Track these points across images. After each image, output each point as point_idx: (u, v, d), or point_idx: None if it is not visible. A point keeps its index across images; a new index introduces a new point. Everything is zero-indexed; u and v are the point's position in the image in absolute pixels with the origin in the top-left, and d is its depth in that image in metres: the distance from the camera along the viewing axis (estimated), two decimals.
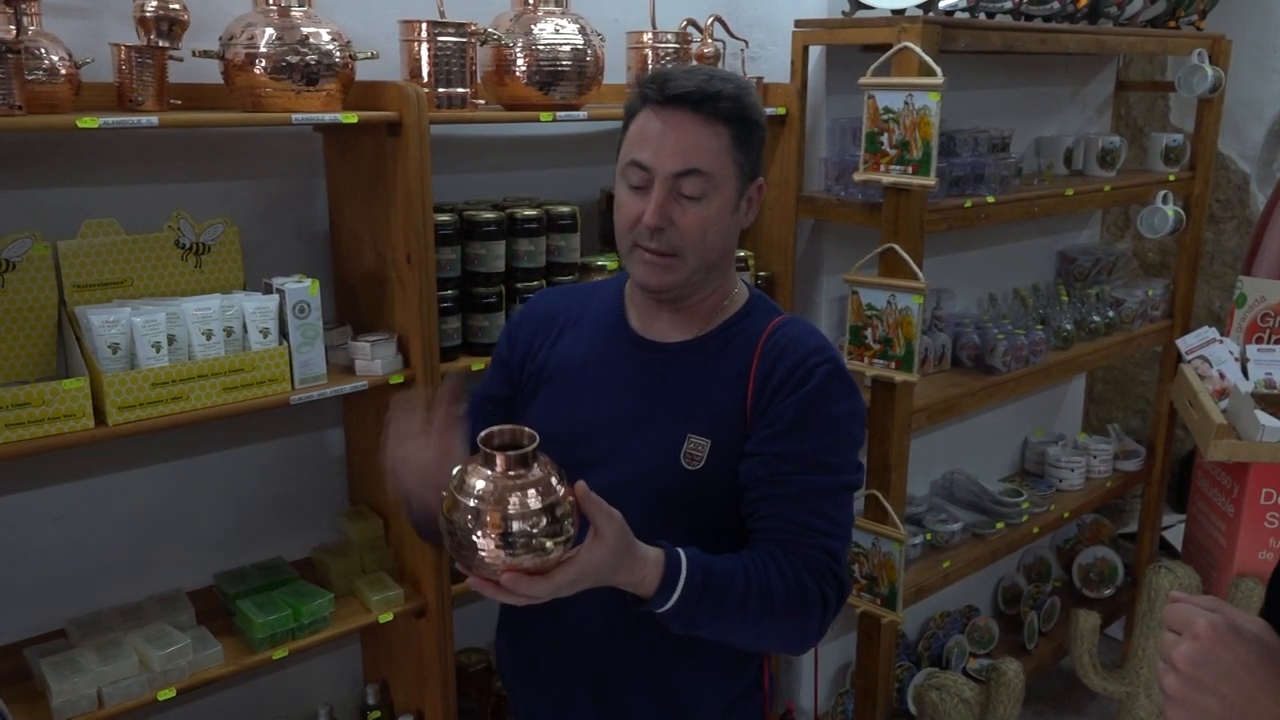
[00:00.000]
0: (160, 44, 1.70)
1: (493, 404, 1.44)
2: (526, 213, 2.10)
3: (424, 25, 1.91)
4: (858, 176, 2.29)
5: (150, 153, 1.90)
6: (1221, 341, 3.03)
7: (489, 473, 1.01)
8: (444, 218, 1.98)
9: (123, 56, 1.68)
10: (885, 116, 2.21)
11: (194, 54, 1.74)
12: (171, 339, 1.72)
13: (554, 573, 1.04)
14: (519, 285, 2.11)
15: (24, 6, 1.56)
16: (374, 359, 1.91)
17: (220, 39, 1.75)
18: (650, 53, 2.26)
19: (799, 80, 2.45)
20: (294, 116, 1.73)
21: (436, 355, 1.95)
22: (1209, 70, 3.01)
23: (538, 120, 2.00)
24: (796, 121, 2.43)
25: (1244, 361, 2.96)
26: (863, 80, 2.23)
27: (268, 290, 1.85)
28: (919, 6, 2.27)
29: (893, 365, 2.32)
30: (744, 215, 1.34)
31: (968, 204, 2.44)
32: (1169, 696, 0.85)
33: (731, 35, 2.41)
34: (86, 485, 1.94)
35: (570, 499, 1.04)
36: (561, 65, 2.02)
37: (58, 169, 1.82)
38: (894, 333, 2.30)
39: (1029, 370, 2.81)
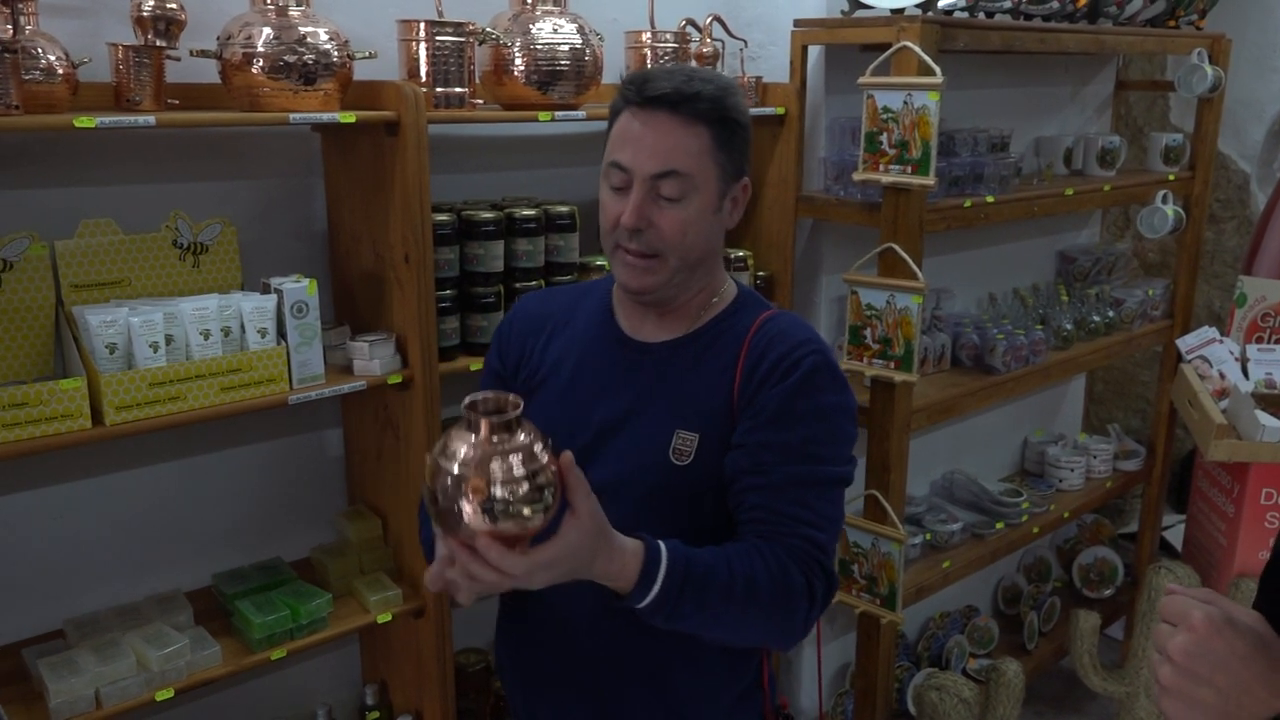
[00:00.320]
0: (158, 44, 1.70)
1: None
2: (525, 212, 2.10)
3: (422, 25, 1.90)
4: (857, 176, 2.29)
5: (148, 152, 1.90)
6: (1222, 341, 3.03)
7: (473, 438, 1.01)
8: (442, 217, 1.98)
9: (120, 56, 1.67)
10: (884, 116, 2.21)
11: (191, 54, 1.74)
12: (169, 339, 1.72)
13: (532, 551, 1.03)
14: (517, 285, 2.10)
15: (21, 6, 1.56)
16: (372, 359, 1.90)
17: (218, 39, 1.75)
18: (649, 52, 2.26)
19: (798, 80, 2.45)
20: (292, 116, 1.72)
21: (435, 355, 1.95)
22: (1209, 70, 3.00)
23: (536, 120, 2.00)
24: (795, 121, 2.42)
25: (1244, 361, 2.96)
26: (862, 80, 2.23)
27: (266, 290, 1.85)
28: (918, 6, 2.27)
29: (892, 365, 2.32)
30: (728, 215, 1.34)
31: (967, 204, 2.43)
32: (1164, 688, 0.85)
33: (730, 35, 2.41)
34: (84, 485, 1.94)
35: (553, 469, 1.03)
36: (560, 65, 2.01)
37: (55, 169, 1.81)
38: (893, 332, 2.30)
39: (1029, 370, 2.80)
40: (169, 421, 1.69)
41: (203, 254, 1.92)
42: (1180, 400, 3.00)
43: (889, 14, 2.29)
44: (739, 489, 1.27)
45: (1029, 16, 2.56)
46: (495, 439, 1.01)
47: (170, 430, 1.77)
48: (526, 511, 1.00)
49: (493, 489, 0.99)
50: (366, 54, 1.84)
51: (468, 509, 0.99)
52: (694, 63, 2.33)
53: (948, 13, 2.33)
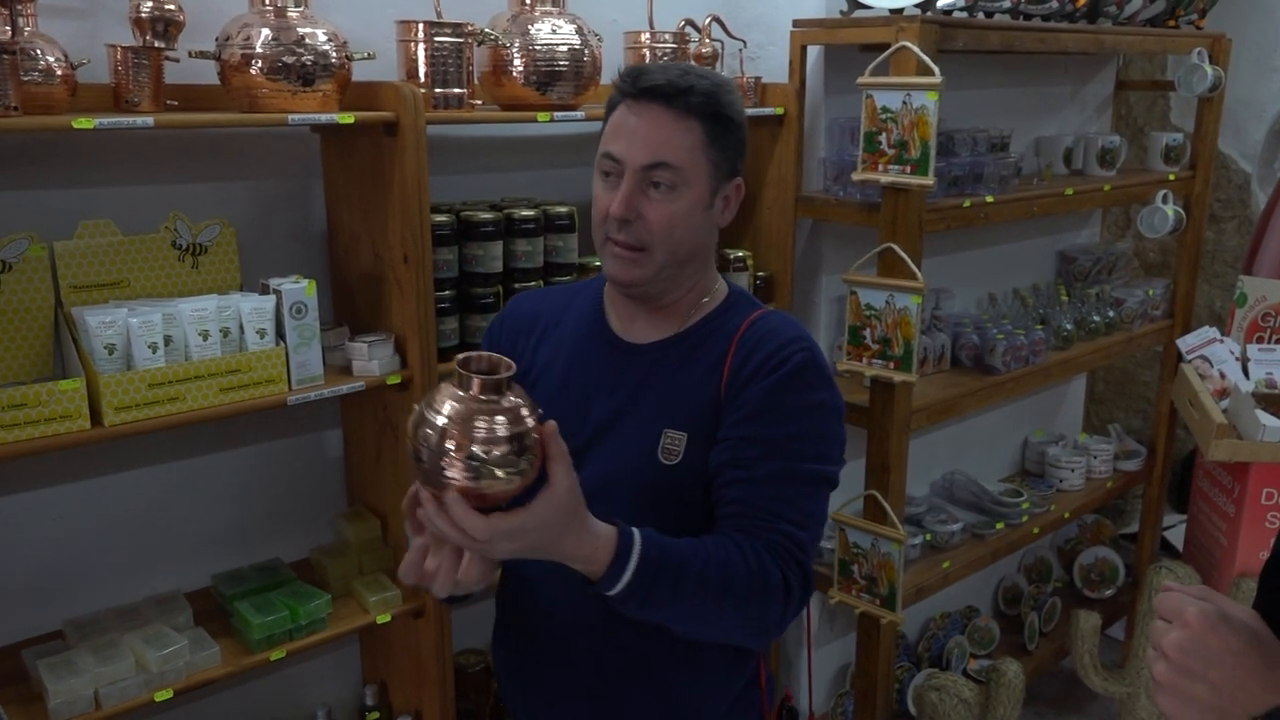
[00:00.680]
0: (156, 45, 1.70)
1: None
2: (524, 213, 2.10)
3: (421, 25, 1.91)
4: (856, 176, 2.29)
5: (146, 154, 1.90)
6: (1222, 341, 3.03)
7: (461, 393, 1.02)
8: (441, 218, 1.98)
9: (119, 57, 1.68)
10: (883, 116, 2.21)
11: (190, 55, 1.74)
12: (168, 340, 1.72)
13: (497, 516, 1.03)
14: (516, 285, 2.10)
15: (20, 8, 1.57)
16: (371, 359, 1.90)
17: (216, 40, 1.75)
18: (648, 53, 2.26)
19: (797, 80, 2.45)
20: (290, 117, 1.72)
21: (434, 356, 1.95)
22: (1209, 69, 3.00)
23: (535, 120, 2.00)
24: (795, 121, 2.42)
25: (1245, 361, 2.96)
26: (861, 80, 2.23)
27: (264, 291, 1.85)
28: (917, 6, 2.27)
29: (891, 365, 2.31)
30: (720, 214, 1.34)
31: (966, 204, 2.43)
32: (1159, 684, 0.85)
33: (730, 35, 2.41)
34: (83, 486, 1.94)
35: (536, 437, 1.04)
36: (558, 65, 2.01)
37: (54, 170, 1.82)
38: (892, 333, 2.30)
39: (1028, 370, 2.80)
40: (168, 422, 1.69)
41: (202, 255, 1.92)
42: (1181, 400, 2.99)
43: (888, 14, 2.29)
44: (720, 483, 1.26)
45: (1028, 16, 2.56)
46: (483, 397, 1.02)
47: (169, 431, 1.77)
48: (501, 473, 1.01)
49: (472, 445, 1.00)
50: (365, 55, 1.84)
51: (443, 461, 1.00)
52: (692, 64, 2.33)
53: (947, 13, 2.33)
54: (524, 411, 1.03)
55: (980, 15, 2.45)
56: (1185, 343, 3.08)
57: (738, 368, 1.29)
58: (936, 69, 2.14)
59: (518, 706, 1.48)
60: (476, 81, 2.03)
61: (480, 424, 1.00)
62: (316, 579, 2.08)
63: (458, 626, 2.15)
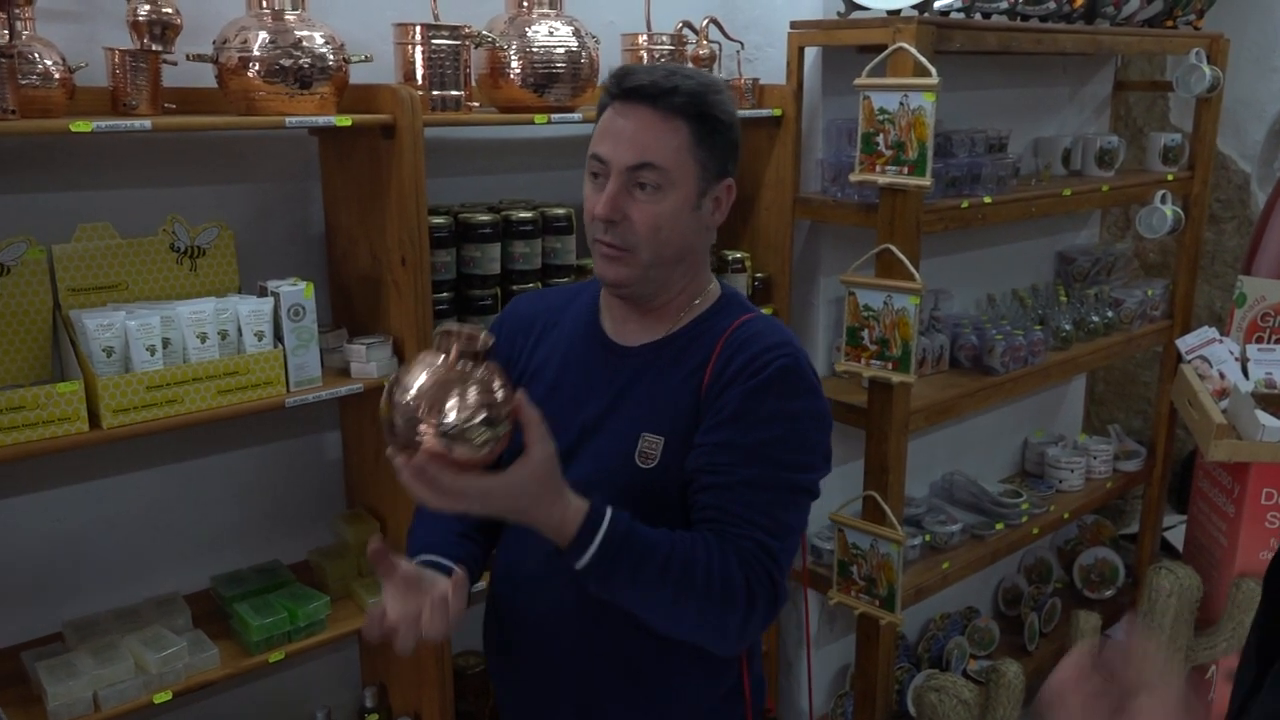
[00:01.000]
0: (154, 48, 1.71)
1: None
2: (522, 215, 2.10)
3: (418, 28, 1.91)
4: (854, 177, 2.29)
5: (144, 157, 1.91)
6: (1221, 341, 3.03)
7: (440, 360, 1.06)
8: (439, 220, 1.99)
9: (116, 61, 1.68)
10: (881, 117, 2.21)
11: (188, 58, 1.75)
12: (166, 342, 1.72)
13: (469, 475, 1.05)
14: (514, 287, 2.11)
15: (17, 11, 1.57)
16: (369, 361, 1.91)
17: (214, 43, 1.75)
18: (645, 55, 2.26)
19: (795, 81, 2.45)
20: (288, 120, 1.73)
21: None
22: (1207, 70, 3.00)
23: (532, 123, 2.00)
24: (793, 123, 2.43)
25: (1244, 361, 2.96)
26: (858, 81, 2.23)
27: (263, 293, 1.86)
28: (914, 7, 2.27)
29: (890, 366, 2.32)
30: (709, 215, 1.33)
31: (964, 204, 2.43)
32: None
33: (727, 37, 2.42)
34: (82, 488, 1.95)
35: (509, 408, 1.07)
36: (556, 67, 2.02)
37: (52, 173, 1.82)
38: (890, 333, 2.30)
39: (1027, 371, 2.80)
40: (166, 425, 1.69)
41: (200, 257, 1.92)
42: (1180, 400, 2.99)
43: (885, 15, 2.29)
44: (695, 488, 1.26)
45: (1025, 17, 2.56)
46: (460, 365, 1.06)
47: (167, 433, 1.77)
48: (475, 438, 1.04)
49: (445, 408, 1.03)
50: (362, 57, 1.84)
51: (419, 424, 1.03)
52: (690, 65, 2.34)
53: (944, 14, 2.34)
54: (496, 383, 1.07)
55: (977, 16, 2.46)
56: (1185, 343, 3.08)
57: (719, 371, 1.28)
58: (933, 70, 2.14)
59: (506, 709, 1.49)
60: (474, 84, 2.04)
61: (456, 390, 1.04)
62: (315, 581, 2.08)
63: (457, 628, 2.15)
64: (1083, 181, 2.98)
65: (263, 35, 1.72)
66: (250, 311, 1.80)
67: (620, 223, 1.26)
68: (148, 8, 1.70)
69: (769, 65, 2.56)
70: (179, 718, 2.10)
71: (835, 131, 2.53)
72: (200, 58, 1.74)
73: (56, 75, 1.61)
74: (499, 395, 1.06)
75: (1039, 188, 2.80)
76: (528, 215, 2.11)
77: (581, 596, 1.16)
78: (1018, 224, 3.11)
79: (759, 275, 2.50)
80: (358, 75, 1.86)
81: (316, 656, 2.27)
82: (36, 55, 1.59)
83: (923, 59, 2.15)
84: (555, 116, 2.02)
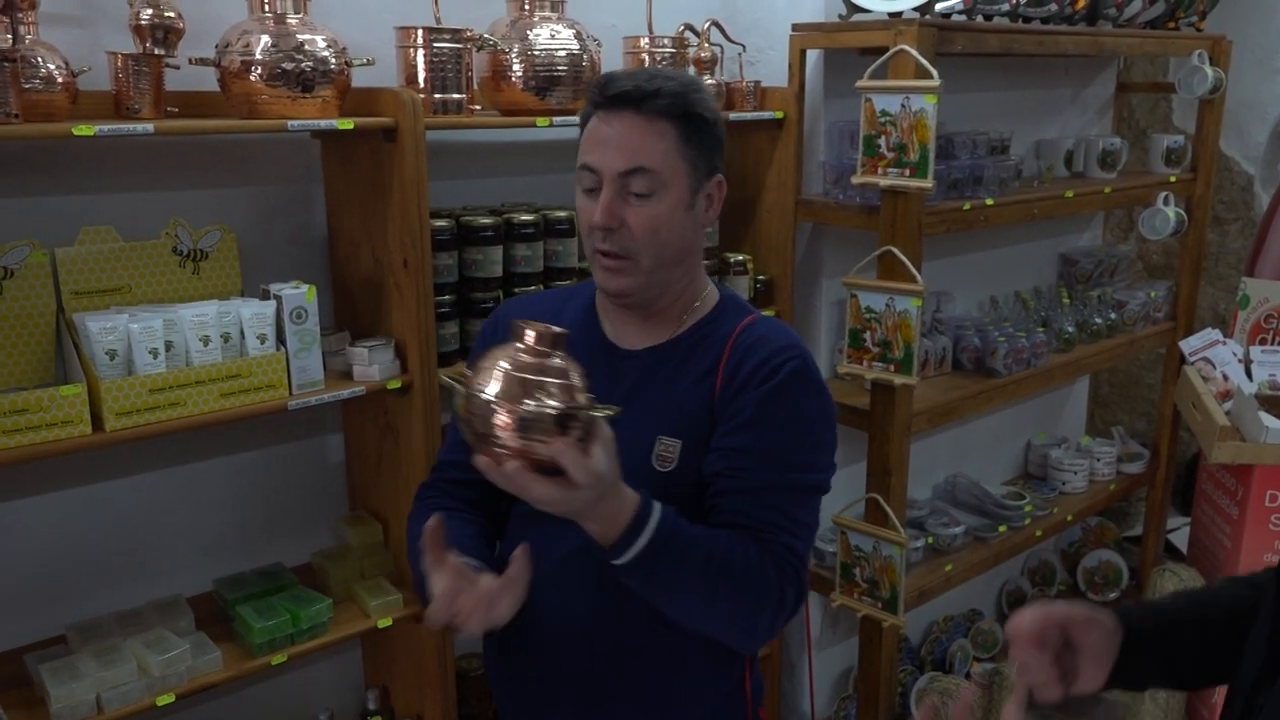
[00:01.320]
0: (156, 52, 1.71)
1: None
2: (523, 218, 2.10)
3: (420, 31, 1.91)
4: (855, 179, 2.29)
5: (147, 160, 1.91)
6: (1225, 343, 3.02)
7: (512, 357, 1.05)
8: (441, 223, 1.99)
9: (119, 65, 1.68)
10: (882, 119, 2.21)
11: (190, 62, 1.75)
12: (169, 345, 1.72)
13: (557, 481, 1.04)
14: (516, 290, 2.11)
15: (20, 15, 1.57)
16: (371, 364, 1.91)
17: (216, 47, 1.76)
18: (647, 57, 2.27)
19: (796, 84, 2.45)
20: (290, 123, 1.73)
21: (434, 360, 1.96)
22: (1209, 71, 3.00)
23: (534, 125, 2.01)
24: (794, 125, 2.43)
25: (1248, 363, 2.95)
26: (860, 83, 2.23)
27: (265, 296, 1.86)
28: (915, 9, 2.27)
29: (892, 368, 2.31)
30: (703, 213, 1.34)
31: (966, 206, 2.43)
32: None
33: (729, 39, 2.42)
34: (85, 491, 1.95)
35: (585, 401, 1.06)
36: (557, 70, 2.02)
37: (55, 177, 1.83)
38: (893, 335, 2.30)
39: (1030, 373, 2.80)
40: (169, 427, 1.69)
41: (202, 261, 1.93)
42: (1184, 402, 2.99)
43: (886, 17, 2.29)
44: (714, 492, 1.28)
45: (1027, 19, 2.56)
46: (537, 358, 1.05)
47: (170, 436, 1.77)
48: (559, 429, 1.03)
49: (527, 401, 1.02)
50: (364, 61, 1.85)
51: (502, 421, 1.02)
52: (692, 68, 2.34)
53: (945, 16, 2.34)
54: (575, 377, 1.06)
55: (979, 18, 2.46)
56: (1188, 345, 3.08)
57: (730, 375, 1.30)
58: (935, 72, 2.14)
59: (507, 709, 1.48)
60: (476, 87, 2.04)
61: (535, 385, 1.03)
62: (318, 583, 2.08)
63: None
64: (1085, 183, 2.98)
65: (265, 39, 1.73)
66: (253, 314, 1.80)
67: (618, 230, 1.26)
68: (150, 12, 1.70)
69: (771, 68, 2.56)
70: None
71: (837, 134, 2.54)
72: (202, 61, 1.75)
73: (59, 79, 1.61)
74: (577, 384, 1.06)
75: (1041, 189, 2.80)
76: (529, 218, 2.11)
77: (591, 597, 1.16)
78: (1020, 226, 3.11)
79: (761, 277, 2.50)
80: (360, 78, 1.87)
81: (319, 659, 2.27)
82: (39, 59, 1.59)
83: (924, 61, 2.15)
84: (557, 119, 2.02)
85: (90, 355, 1.66)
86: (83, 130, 1.52)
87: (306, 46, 1.75)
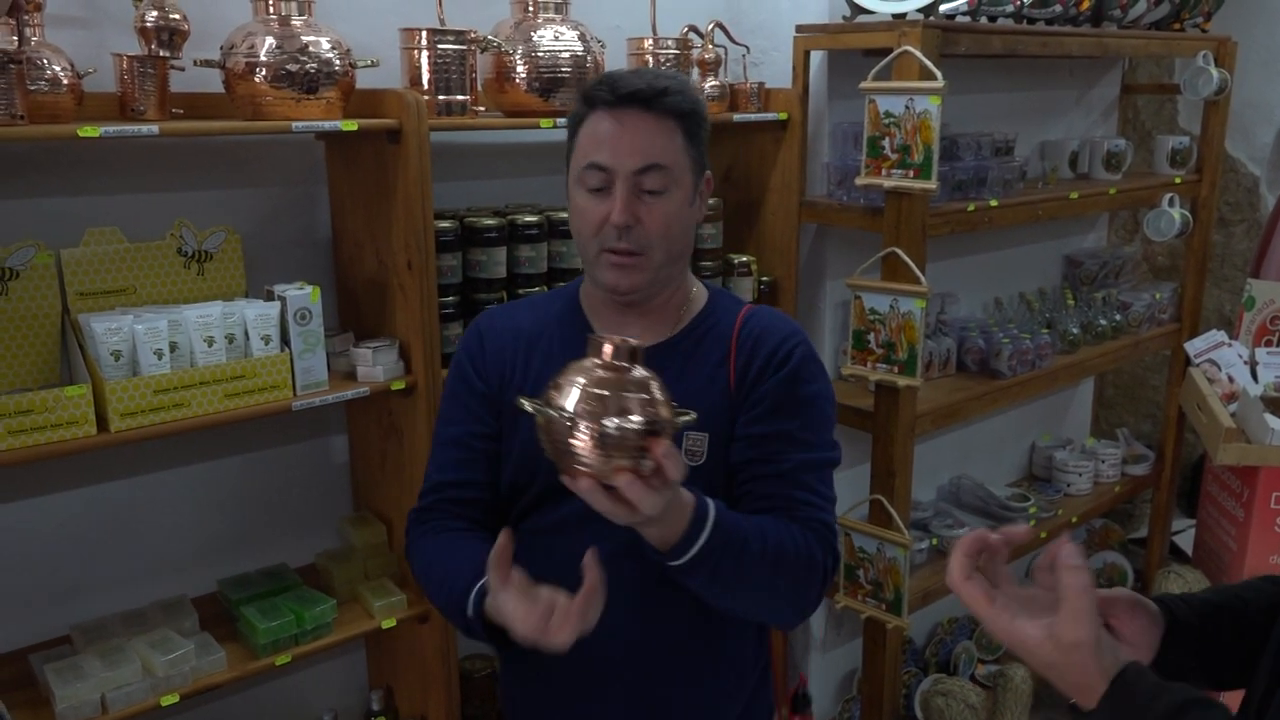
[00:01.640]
0: (161, 54, 1.72)
1: (485, 440, 1.40)
2: (527, 219, 2.11)
3: (424, 33, 1.92)
4: (859, 181, 2.29)
5: (152, 161, 1.92)
6: (1230, 345, 3.01)
7: (593, 373, 1.05)
8: (445, 224, 1.99)
9: (124, 66, 1.69)
10: (886, 121, 2.21)
11: (195, 63, 1.75)
12: (173, 346, 1.73)
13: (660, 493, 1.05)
14: (520, 291, 2.11)
15: (26, 17, 1.58)
16: (375, 365, 1.91)
17: (221, 48, 1.76)
18: (650, 59, 2.27)
19: (801, 85, 2.45)
20: (294, 125, 1.73)
21: (438, 361, 1.96)
22: (1214, 72, 2.99)
23: (538, 127, 2.01)
24: (799, 126, 2.43)
25: (1253, 365, 2.94)
26: (863, 85, 2.23)
27: (269, 297, 1.86)
28: (919, 10, 2.27)
29: (896, 370, 2.31)
30: (697, 209, 1.37)
31: (971, 208, 2.43)
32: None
33: (733, 41, 2.42)
34: (90, 491, 1.96)
35: (667, 414, 1.05)
36: (561, 72, 2.02)
37: (60, 178, 1.83)
38: (896, 337, 2.30)
39: (1034, 374, 2.79)
40: (173, 428, 1.70)
41: (207, 262, 1.93)
42: (1189, 404, 2.98)
43: (890, 19, 2.29)
44: (746, 478, 1.32)
45: (1031, 20, 2.55)
46: (618, 374, 1.05)
47: (174, 437, 1.78)
48: (640, 443, 1.02)
49: (614, 418, 1.02)
50: (369, 62, 1.85)
51: (586, 437, 1.01)
52: (696, 69, 2.35)
53: (949, 17, 2.33)
54: (656, 389, 1.06)
55: (983, 19, 2.45)
56: (1193, 346, 3.07)
57: (744, 366, 1.35)
58: (939, 73, 2.14)
59: (525, 712, 1.48)
60: (480, 88, 2.04)
61: (619, 402, 1.02)
62: (322, 584, 2.08)
63: None
64: (1090, 184, 2.97)
65: (269, 40, 1.73)
66: (257, 315, 1.81)
67: (634, 227, 1.28)
68: (155, 14, 1.71)
69: (774, 69, 2.56)
70: None
71: (841, 135, 2.54)
72: (207, 63, 1.75)
73: (65, 81, 1.62)
74: (659, 396, 1.06)
75: (1046, 191, 2.80)
76: (533, 219, 2.11)
77: (628, 600, 1.17)
78: (1025, 227, 3.10)
79: (765, 279, 2.50)
80: (364, 80, 1.87)
81: (323, 659, 2.27)
82: (45, 61, 1.60)
83: (928, 62, 2.15)
84: (561, 121, 2.02)
85: (95, 356, 1.66)
86: (88, 132, 1.53)
87: (311, 48, 1.75)
